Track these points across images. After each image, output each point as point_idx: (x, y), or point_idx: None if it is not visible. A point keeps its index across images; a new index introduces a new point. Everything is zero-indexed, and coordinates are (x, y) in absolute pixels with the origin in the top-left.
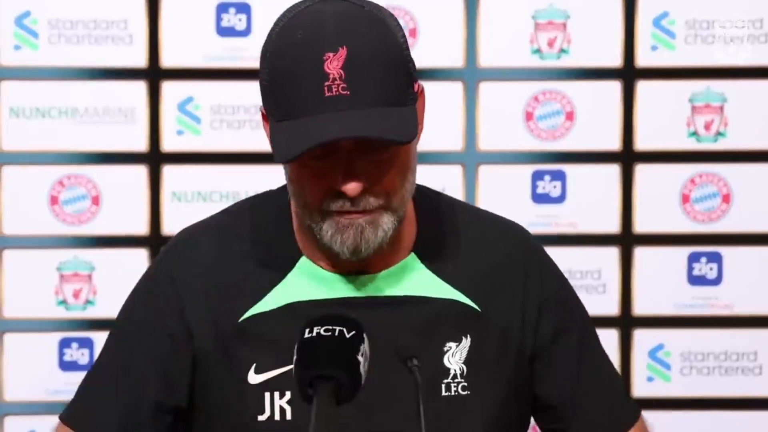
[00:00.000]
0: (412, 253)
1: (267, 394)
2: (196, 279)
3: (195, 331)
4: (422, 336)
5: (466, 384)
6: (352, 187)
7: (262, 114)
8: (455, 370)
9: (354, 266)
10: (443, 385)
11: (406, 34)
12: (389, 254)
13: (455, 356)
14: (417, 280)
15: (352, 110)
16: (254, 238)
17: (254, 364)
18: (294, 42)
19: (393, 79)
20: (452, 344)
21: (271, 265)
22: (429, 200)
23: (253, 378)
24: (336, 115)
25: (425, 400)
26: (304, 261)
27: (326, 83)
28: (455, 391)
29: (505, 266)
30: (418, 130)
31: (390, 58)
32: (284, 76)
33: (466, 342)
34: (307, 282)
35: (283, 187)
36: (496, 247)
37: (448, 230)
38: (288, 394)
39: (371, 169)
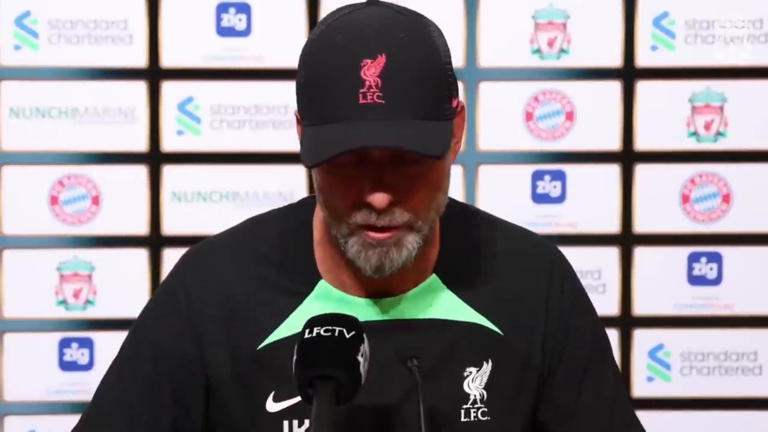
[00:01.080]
0: (434, 275)
1: (285, 423)
2: (215, 304)
3: (211, 360)
4: (442, 360)
5: (486, 410)
6: (378, 199)
7: (296, 117)
8: (475, 396)
9: (374, 288)
10: (462, 411)
11: None
12: (411, 275)
13: (475, 381)
14: (439, 302)
15: (385, 120)
16: (273, 259)
17: (273, 392)
18: (333, 45)
19: (430, 92)
20: (472, 369)
21: (289, 289)
22: (454, 216)
23: (272, 406)
24: (367, 123)
25: (444, 427)
26: (322, 284)
27: (361, 90)
28: (475, 417)
29: (528, 289)
30: (449, 146)
31: (429, 69)
32: (319, 79)
33: (487, 367)
34: (325, 306)
35: (305, 200)
36: (519, 268)
37: (471, 250)
38: (306, 423)
39: (401, 182)
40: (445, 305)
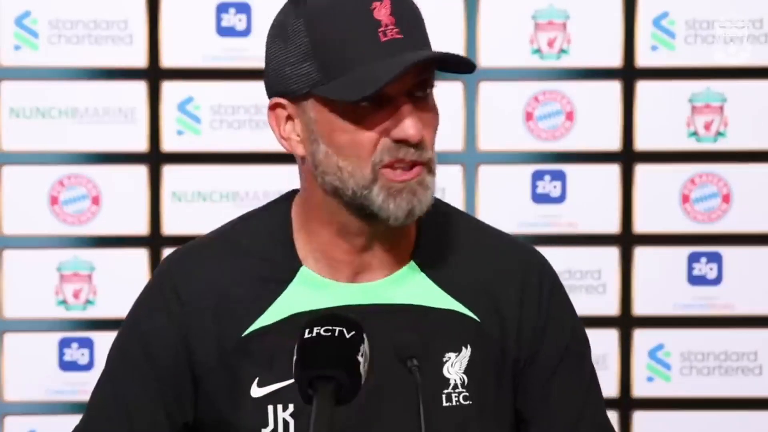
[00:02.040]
0: (412, 261)
1: (270, 407)
2: (200, 297)
3: (198, 349)
4: (422, 345)
5: (467, 394)
6: (417, 130)
7: (274, 105)
8: (455, 380)
9: (354, 272)
10: (444, 396)
11: None
12: (390, 260)
13: (455, 366)
14: (417, 288)
15: (410, 51)
16: (255, 251)
17: (257, 378)
18: (334, 1)
19: (425, 27)
20: (451, 354)
21: (271, 278)
22: (433, 209)
23: (256, 391)
24: (398, 55)
25: (427, 412)
26: (303, 270)
27: (380, 29)
28: (456, 401)
29: (503, 282)
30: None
31: (418, 9)
32: (334, 32)
33: (466, 352)
34: (307, 291)
35: (285, 195)
36: (495, 261)
37: (449, 240)
38: (291, 407)
39: (422, 116)
40: (423, 291)
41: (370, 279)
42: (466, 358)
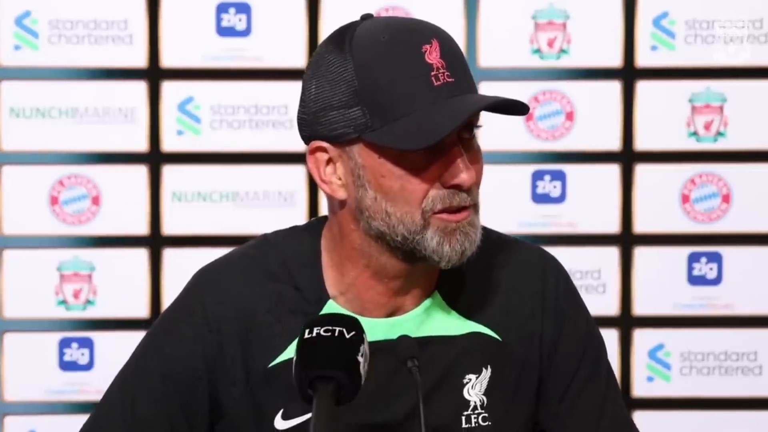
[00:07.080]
0: (436, 292)
1: None
2: (232, 320)
3: (225, 377)
4: (444, 373)
5: (486, 415)
6: (470, 177)
7: (314, 148)
8: (475, 402)
9: (382, 308)
10: (463, 418)
11: None
12: (417, 294)
13: (475, 388)
14: (440, 319)
15: (461, 95)
16: (285, 278)
17: (281, 410)
18: (383, 44)
19: (468, 66)
20: (472, 376)
21: (299, 309)
22: None
23: (280, 423)
24: (453, 99)
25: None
26: (331, 305)
27: (432, 73)
28: (475, 422)
29: (524, 293)
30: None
31: (460, 47)
32: (385, 76)
33: (486, 373)
34: None
35: (312, 224)
36: (513, 275)
37: (466, 264)
38: None
39: (470, 157)
40: (447, 321)
41: (396, 313)
42: (486, 379)
